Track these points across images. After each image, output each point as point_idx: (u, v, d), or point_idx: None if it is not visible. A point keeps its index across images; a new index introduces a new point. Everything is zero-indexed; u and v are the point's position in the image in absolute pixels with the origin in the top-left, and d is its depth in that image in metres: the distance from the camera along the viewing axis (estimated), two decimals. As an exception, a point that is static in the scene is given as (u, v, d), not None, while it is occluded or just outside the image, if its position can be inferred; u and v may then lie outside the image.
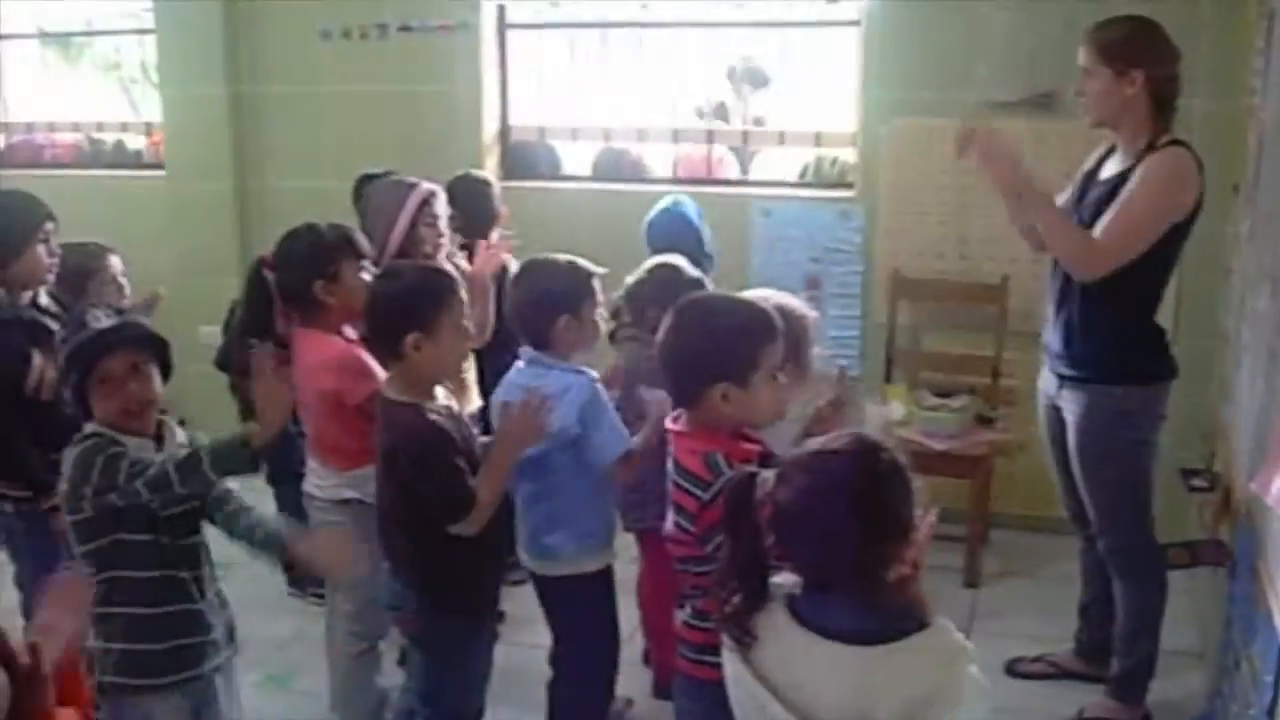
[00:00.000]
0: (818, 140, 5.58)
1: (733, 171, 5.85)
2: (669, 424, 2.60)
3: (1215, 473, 3.90)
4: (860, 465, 1.96)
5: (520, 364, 3.29)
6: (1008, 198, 3.61)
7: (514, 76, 5.89)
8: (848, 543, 1.92)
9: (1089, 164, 3.69)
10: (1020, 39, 4.85)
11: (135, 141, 6.71)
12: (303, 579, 4.62)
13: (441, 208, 3.98)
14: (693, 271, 3.68)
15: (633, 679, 3.89)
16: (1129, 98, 3.42)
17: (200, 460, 2.65)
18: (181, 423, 2.92)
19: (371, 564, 3.40)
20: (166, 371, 2.83)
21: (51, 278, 3.71)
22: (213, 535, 2.91)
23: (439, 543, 2.94)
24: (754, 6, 5.48)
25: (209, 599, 2.84)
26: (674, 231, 4.42)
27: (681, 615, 2.61)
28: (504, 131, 5.90)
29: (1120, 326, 3.51)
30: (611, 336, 3.79)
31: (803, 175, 5.72)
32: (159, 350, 2.82)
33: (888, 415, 4.67)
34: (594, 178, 5.91)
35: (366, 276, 3.39)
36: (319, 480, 3.47)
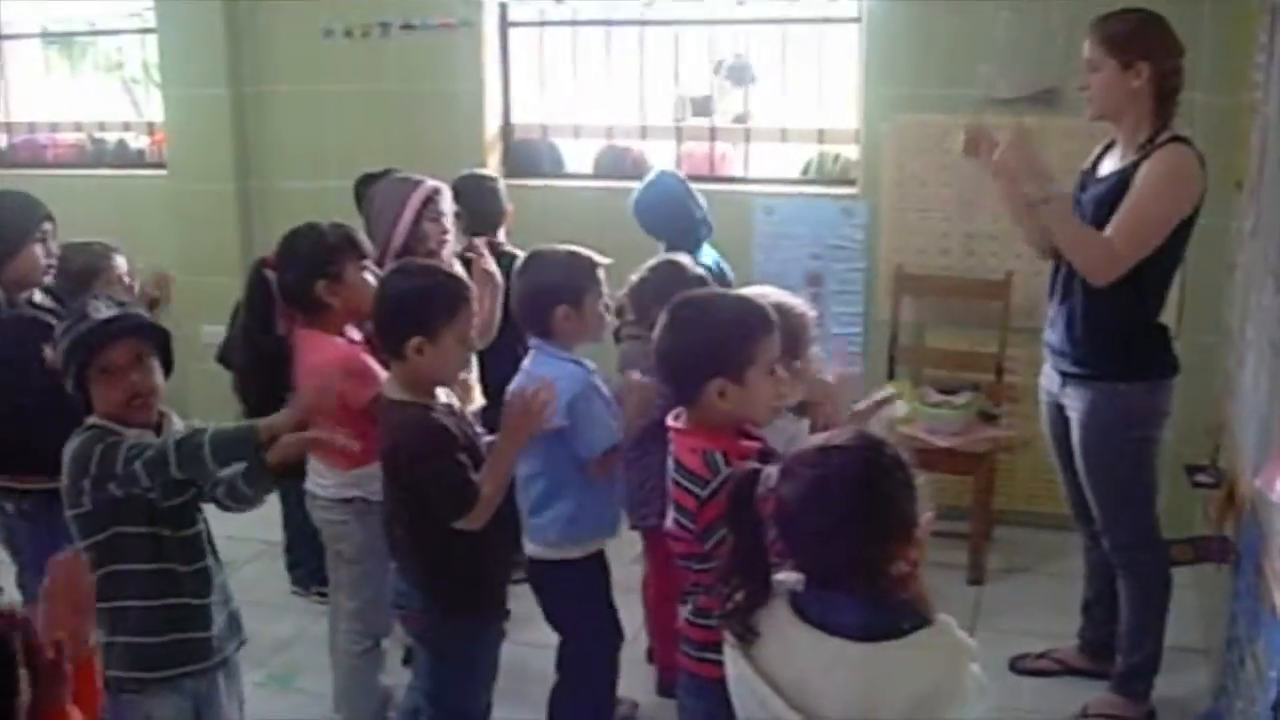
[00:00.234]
0: (820, 137, 5.57)
1: (735, 168, 5.85)
2: (669, 421, 2.59)
3: (1220, 469, 3.89)
4: (863, 461, 1.96)
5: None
6: (1016, 205, 3.62)
7: (516, 74, 5.89)
8: (851, 538, 1.92)
9: (1088, 161, 3.69)
10: (1022, 35, 4.83)
11: (137, 141, 6.71)
12: (306, 578, 4.63)
13: (446, 205, 3.97)
14: (696, 269, 3.68)
15: (637, 677, 3.89)
16: (1134, 90, 3.41)
17: (201, 444, 2.62)
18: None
19: (376, 562, 3.41)
20: (167, 364, 2.81)
21: (48, 278, 3.71)
22: (216, 532, 2.91)
23: (444, 542, 2.94)
24: (755, 4, 5.47)
25: (212, 596, 2.83)
26: (658, 206, 4.44)
27: (683, 613, 2.61)
28: (506, 129, 5.90)
29: (1123, 324, 3.51)
30: (616, 335, 3.79)
31: (805, 172, 5.72)
32: (160, 341, 2.81)
33: (890, 412, 4.66)
34: (596, 175, 5.90)
35: (369, 276, 3.39)
36: (321, 479, 3.47)
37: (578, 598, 3.38)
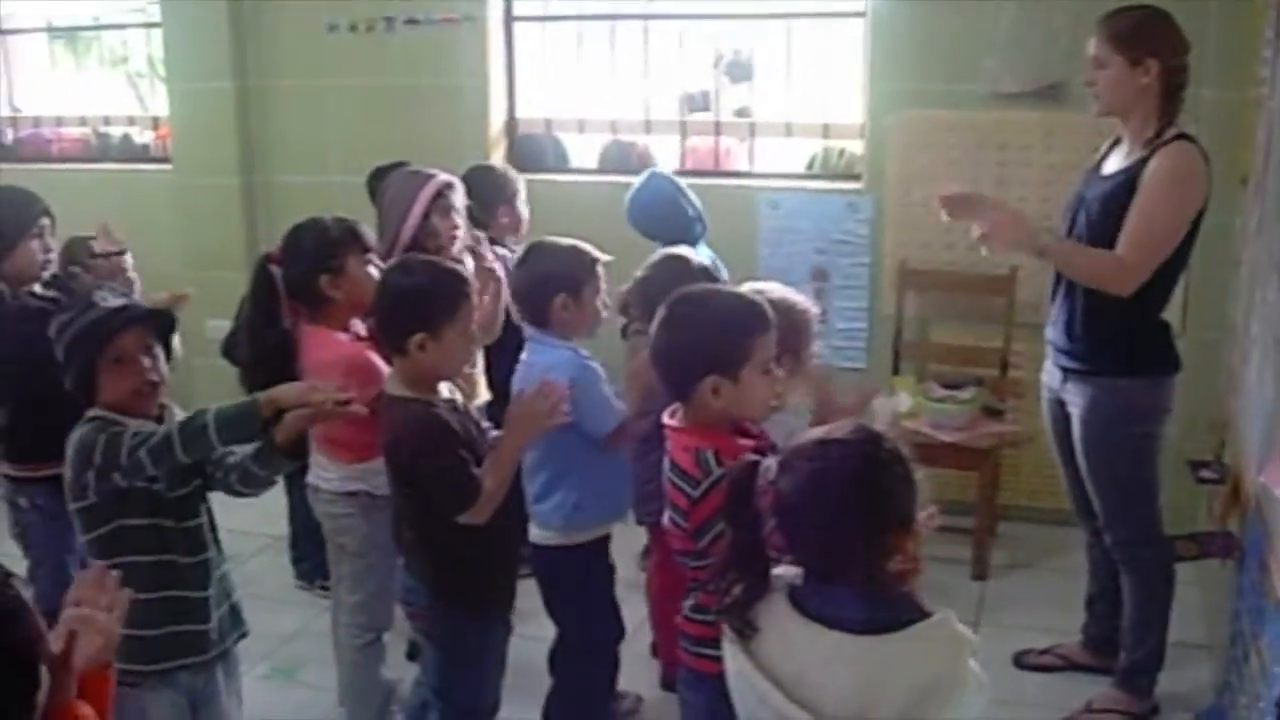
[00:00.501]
0: (825, 132, 5.57)
1: (740, 163, 5.85)
2: (665, 419, 2.59)
3: (1224, 464, 3.89)
4: (862, 454, 1.96)
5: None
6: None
7: (520, 69, 5.88)
8: (849, 532, 1.92)
9: (1093, 159, 3.69)
10: (1027, 30, 4.83)
11: (142, 136, 6.71)
12: (310, 572, 4.64)
13: (458, 199, 3.96)
14: (700, 261, 3.67)
15: (641, 672, 3.90)
16: (1142, 87, 3.41)
17: (205, 424, 2.60)
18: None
19: (379, 556, 3.41)
20: (169, 354, 2.81)
21: (47, 273, 3.72)
22: (221, 525, 2.91)
23: (450, 538, 2.94)
24: (760, -2, 5.49)
25: (211, 588, 2.82)
26: (652, 206, 4.45)
27: (683, 608, 2.61)
28: (510, 124, 5.90)
29: (1124, 321, 3.50)
30: (624, 332, 3.79)
31: (810, 167, 5.71)
32: (165, 330, 2.80)
33: (895, 407, 4.66)
34: (601, 170, 5.91)
35: (373, 270, 3.39)
36: (324, 473, 3.47)
37: (580, 586, 3.39)
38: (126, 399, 2.70)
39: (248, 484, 2.84)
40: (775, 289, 2.97)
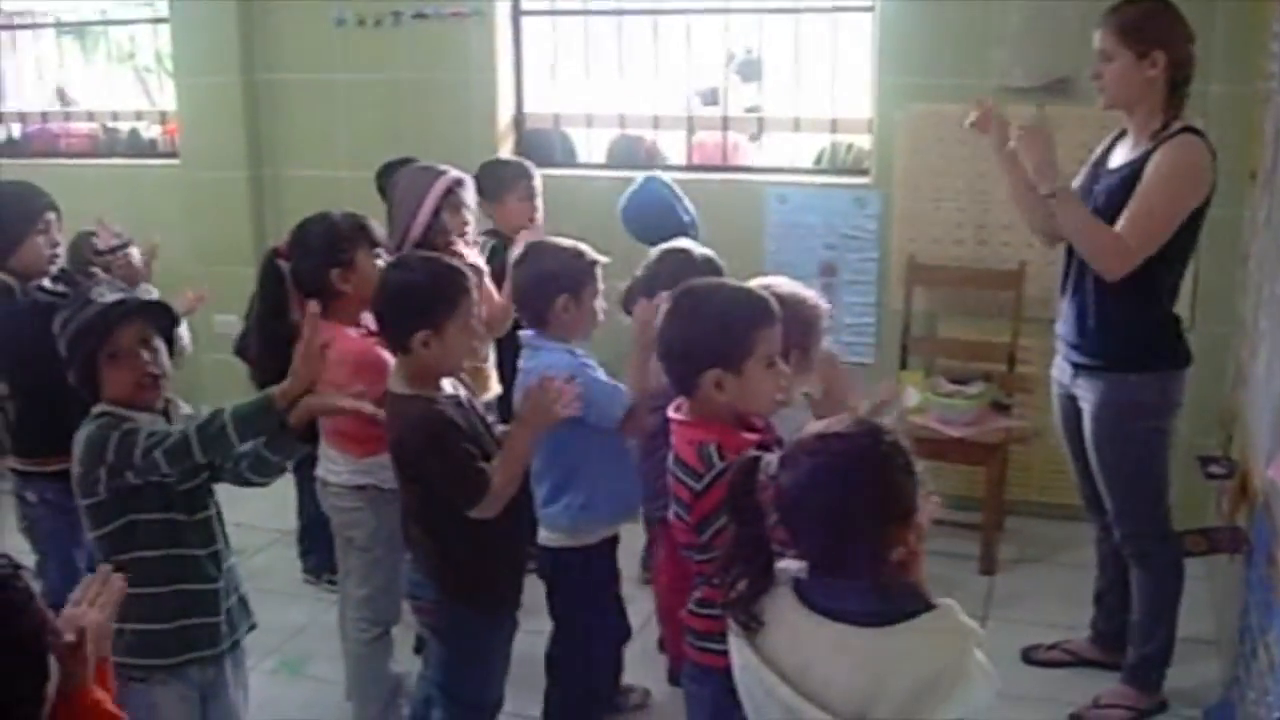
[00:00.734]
0: (833, 126, 5.56)
1: (748, 158, 5.84)
2: (670, 413, 2.59)
3: (1233, 459, 3.89)
4: (863, 447, 1.97)
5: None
6: (1020, 191, 3.62)
7: (528, 63, 5.88)
8: (851, 525, 1.93)
9: (1098, 151, 3.68)
10: (1035, 23, 4.82)
11: (150, 131, 6.72)
12: (318, 566, 4.64)
13: (467, 196, 3.96)
14: (704, 252, 3.65)
15: (649, 666, 3.90)
16: (1149, 80, 3.39)
17: (224, 424, 2.60)
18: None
19: (386, 550, 3.42)
20: (170, 346, 2.81)
21: (54, 268, 3.73)
22: (228, 520, 2.91)
23: (457, 533, 2.94)
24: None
25: (221, 580, 2.82)
26: (646, 210, 4.44)
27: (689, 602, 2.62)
28: (518, 119, 5.90)
29: (1134, 315, 3.49)
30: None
31: (818, 161, 5.70)
32: (165, 323, 2.80)
33: (903, 402, 4.67)
34: (608, 165, 5.90)
35: (382, 265, 3.39)
36: (334, 466, 3.48)
37: (586, 587, 3.39)
38: (128, 393, 2.70)
39: (260, 472, 2.84)
40: (786, 284, 2.97)
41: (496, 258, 4.20)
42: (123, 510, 2.67)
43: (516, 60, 5.85)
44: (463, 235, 3.92)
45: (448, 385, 3.03)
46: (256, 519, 4.56)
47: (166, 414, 2.78)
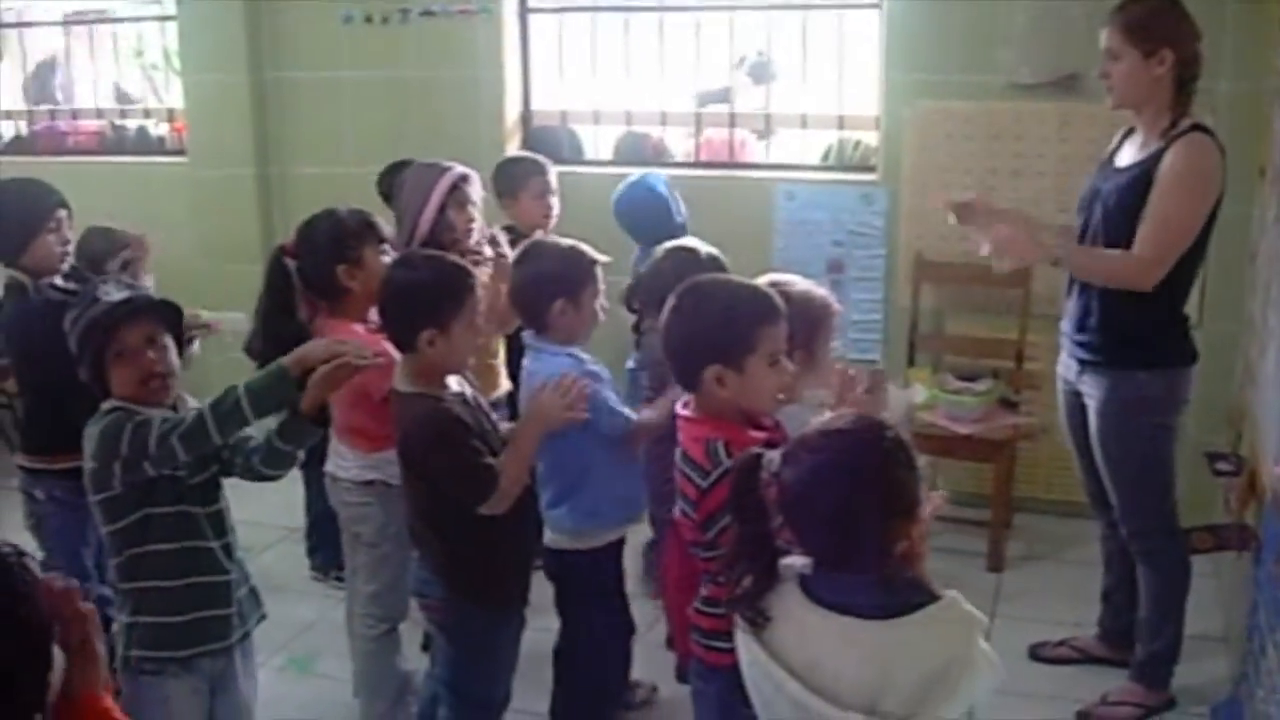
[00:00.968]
0: (840, 123, 5.55)
1: (756, 155, 5.84)
2: (678, 409, 2.59)
3: (1241, 456, 3.88)
4: (864, 443, 1.98)
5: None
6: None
7: (535, 60, 5.88)
8: (854, 520, 1.94)
9: (1107, 150, 3.68)
10: (1042, 20, 4.81)
11: (158, 128, 6.72)
12: (326, 563, 4.65)
13: (473, 192, 3.96)
14: (709, 249, 3.63)
15: (656, 663, 3.90)
16: (1157, 78, 3.38)
17: (238, 400, 2.61)
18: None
19: (394, 546, 3.42)
20: (179, 344, 2.82)
21: (65, 265, 3.74)
22: (236, 517, 2.91)
23: (465, 531, 2.94)
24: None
25: (233, 571, 2.83)
26: (640, 206, 4.43)
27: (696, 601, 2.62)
28: (526, 116, 5.90)
29: (1141, 313, 3.49)
30: (635, 328, 3.78)
31: (825, 158, 5.70)
32: (172, 320, 2.81)
33: (910, 399, 4.66)
34: (616, 162, 5.89)
35: (388, 261, 3.39)
36: (343, 462, 3.49)
37: (592, 588, 3.39)
38: (135, 390, 2.71)
39: (272, 463, 2.85)
40: (797, 282, 2.95)
41: None
42: (137, 504, 2.68)
43: (524, 57, 5.84)
44: (468, 232, 3.91)
45: (454, 383, 3.02)
46: (264, 516, 4.56)
47: (175, 411, 2.78)
